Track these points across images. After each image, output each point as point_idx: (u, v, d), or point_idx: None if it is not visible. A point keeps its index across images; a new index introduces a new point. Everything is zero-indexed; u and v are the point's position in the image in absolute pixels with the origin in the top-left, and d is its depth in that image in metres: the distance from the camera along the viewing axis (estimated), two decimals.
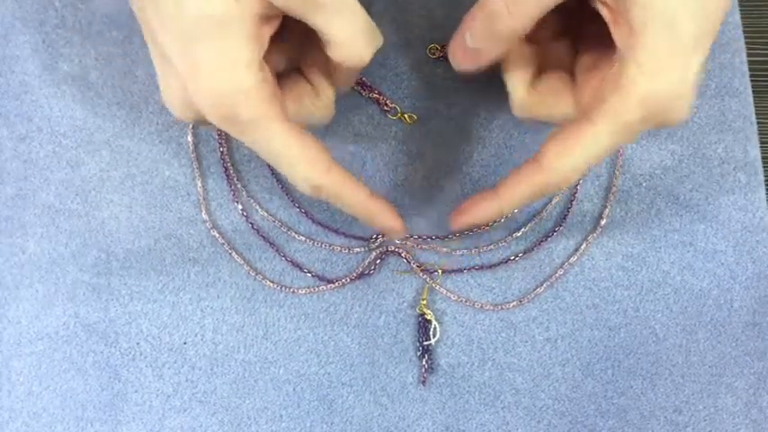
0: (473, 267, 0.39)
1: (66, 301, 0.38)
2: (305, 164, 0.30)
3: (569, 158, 0.29)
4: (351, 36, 0.30)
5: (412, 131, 0.40)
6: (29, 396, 0.37)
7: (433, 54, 0.41)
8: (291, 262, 0.39)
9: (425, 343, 0.38)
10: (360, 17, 0.30)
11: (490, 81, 0.41)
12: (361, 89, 0.40)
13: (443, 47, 0.41)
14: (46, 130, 0.39)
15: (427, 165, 0.40)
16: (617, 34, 0.28)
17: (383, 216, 0.33)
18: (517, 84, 0.32)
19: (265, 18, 0.28)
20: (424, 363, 0.37)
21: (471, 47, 0.32)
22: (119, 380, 0.37)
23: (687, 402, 0.38)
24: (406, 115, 0.40)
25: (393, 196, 0.39)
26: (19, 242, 0.38)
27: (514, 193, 0.31)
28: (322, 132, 0.40)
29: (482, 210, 0.32)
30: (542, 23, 0.30)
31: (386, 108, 0.40)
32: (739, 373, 0.38)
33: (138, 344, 0.37)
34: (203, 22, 0.27)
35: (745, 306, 0.39)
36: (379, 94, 0.40)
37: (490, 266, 0.39)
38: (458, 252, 0.39)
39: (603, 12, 0.29)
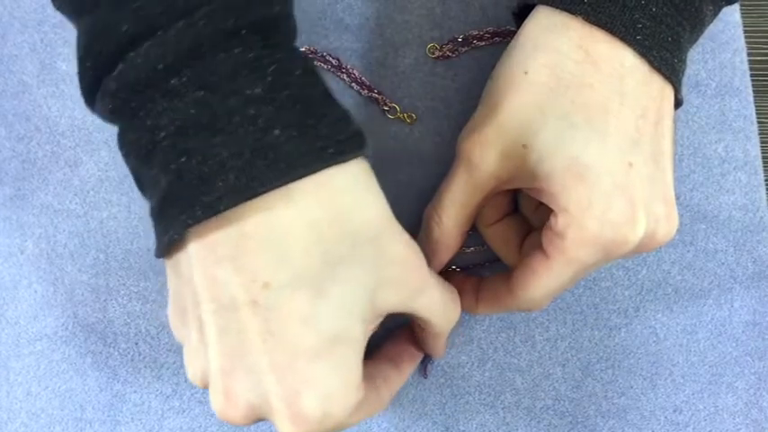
0: (473, 266, 0.38)
1: (65, 301, 0.38)
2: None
3: (534, 290, 0.32)
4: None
5: (411, 131, 0.40)
6: (27, 396, 0.37)
7: (433, 54, 0.41)
8: None
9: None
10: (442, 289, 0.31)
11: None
12: (360, 88, 0.40)
13: (443, 46, 0.41)
14: (44, 130, 0.39)
15: (427, 164, 0.40)
16: (544, 198, 0.31)
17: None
18: (479, 220, 0.35)
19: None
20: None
21: None
22: (117, 380, 0.37)
23: (687, 402, 0.38)
24: (405, 115, 0.40)
25: (393, 196, 0.39)
26: (17, 242, 0.38)
27: (489, 307, 0.35)
28: None
29: (462, 301, 0.35)
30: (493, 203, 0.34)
31: (385, 108, 0.40)
32: (740, 373, 0.38)
33: (136, 344, 0.37)
34: (332, 343, 0.26)
35: (745, 306, 0.39)
36: (379, 93, 0.40)
37: (490, 266, 0.39)
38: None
39: (530, 192, 0.32)
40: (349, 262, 0.26)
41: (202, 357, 0.27)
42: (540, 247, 0.33)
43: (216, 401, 0.26)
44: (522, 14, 0.34)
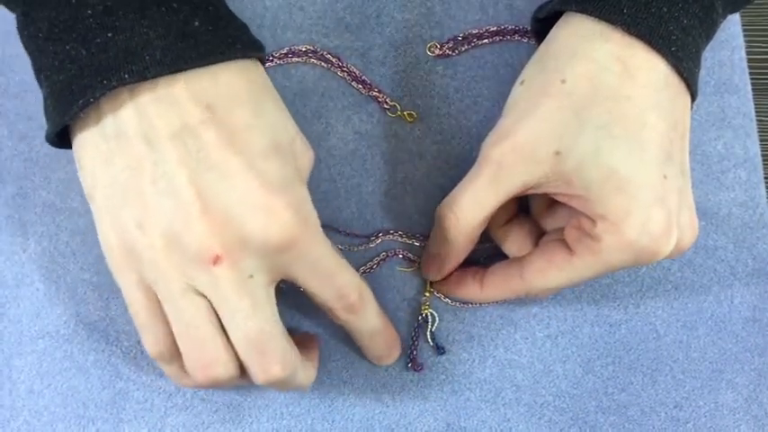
0: (473, 263, 0.39)
1: (67, 299, 0.38)
2: (350, 269, 0.32)
3: (550, 280, 0.33)
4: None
5: (412, 129, 0.40)
6: (30, 395, 0.37)
7: (433, 52, 0.41)
8: None
9: (437, 346, 0.38)
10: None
11: (489, 82, 0.41)
12: (361, 87, 0.40)
13: (443, 45, 0.41)
14: None
15: (427, 163, 0.40)
16: (575, 203, 0.32)
17: (394, 339, 0.36)
18: (490, 221, 0.35)
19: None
20: (415, 350, 0.38)
21: (433, 253, 0.36)
22: (120, 378, 0.37)
23: (688, 398, 0.38)
24: (405, 113, 0.40)
25: (393, 194, 0.39)
26: (20, 241, 0.38)
27: (496, 292, 0.36)
28: (322, 130, 0.40)
29: (464, 290, 0.37)
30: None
31: (386, 106, 0.40)
32: (740, 370, 0.38)
33: (139, 342, 0.37)
34: (276, 147, 0.30)
35: (745, 302, 0.39)
36: (379, 92, 0.40)
37: (490, 262, 0.39)
38: None
39: (557, 197, 0.32)
40: (273, 99, 0.31)
41: (168, 200, 0.28)
42: (559, 239, 0.33)
43: (197, 226, 0.28)
44: (545, 19, 0.34)
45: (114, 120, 0.28)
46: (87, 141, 0.29)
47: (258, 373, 0.30)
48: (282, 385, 0.31)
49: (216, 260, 0.28)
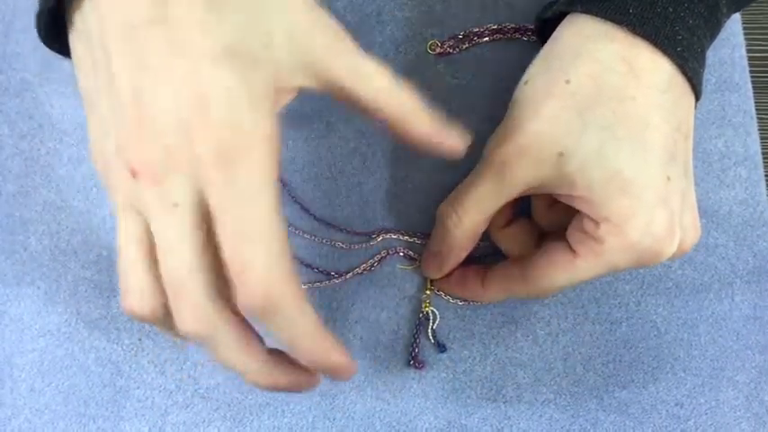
0: (474, 261, 0.39)
1: (68, 297, 0.38)
2: (284, 250, 0.26)
3: (552, 280, 0.33)
4: None
5: None
6: (31, 393, 0.37)
7: (433, 50, 0.41)
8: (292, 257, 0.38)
9: (438, 343, 0.38)
10: None
11: (490, 80, 0.41)
12: None
13: (443, 43, 0.41)
14: (47, 128, 0.39)
15: (428, 161, 0.40)
16: (578, 205, 0.31)
17: (335, 350, 0.28)
18: (490, 227, 0.35)
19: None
20: (416, 348, 0.38)
21: (434, 251, 0.36)
22: (121, 376, 0.37)
23: (688, 396, 0.38)
24: None
25: (394, 192, 0.39)
26: (20, 239, 0.38)
27: (497, 291, 0.36)
28: (323, 129, 0.40)
29: (466, 289, 0.37)
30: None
31: None
32: (740, 367, 0.38)
33: (139, 340, 0.37)
34: (233, 52, 0.25)
35: (746, 300, 0.39)
36: None
37: (490, 261, 0.39)
38: None
39: (560, 198, 0.32)
40: None
41: (116, 106, 0.25)
42: (560, 240, 0.33)
43: (130, 134, 0.25)
44: (548, 19, 0.34)
45: (80, 17, 0.27)
46: (72, 42, 0.28)
47: (175, 319, 0.26)
48: (212, 351, 0.27)
49: (134, 173, 0.25)
